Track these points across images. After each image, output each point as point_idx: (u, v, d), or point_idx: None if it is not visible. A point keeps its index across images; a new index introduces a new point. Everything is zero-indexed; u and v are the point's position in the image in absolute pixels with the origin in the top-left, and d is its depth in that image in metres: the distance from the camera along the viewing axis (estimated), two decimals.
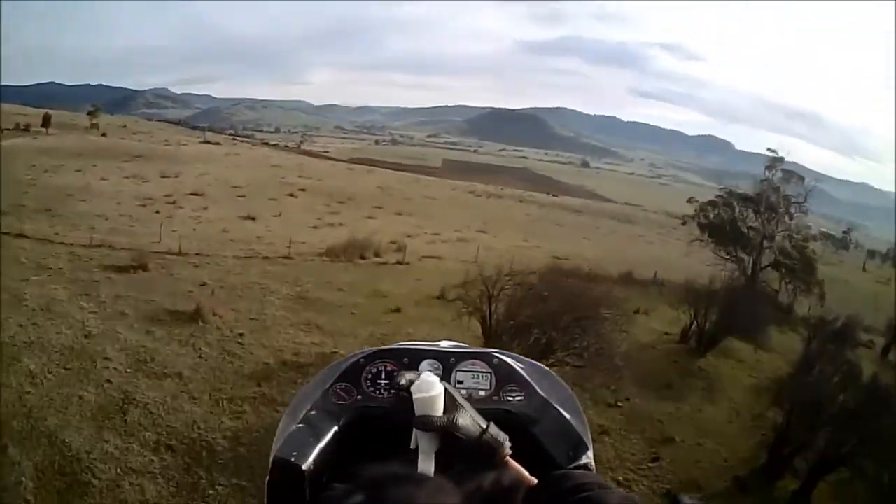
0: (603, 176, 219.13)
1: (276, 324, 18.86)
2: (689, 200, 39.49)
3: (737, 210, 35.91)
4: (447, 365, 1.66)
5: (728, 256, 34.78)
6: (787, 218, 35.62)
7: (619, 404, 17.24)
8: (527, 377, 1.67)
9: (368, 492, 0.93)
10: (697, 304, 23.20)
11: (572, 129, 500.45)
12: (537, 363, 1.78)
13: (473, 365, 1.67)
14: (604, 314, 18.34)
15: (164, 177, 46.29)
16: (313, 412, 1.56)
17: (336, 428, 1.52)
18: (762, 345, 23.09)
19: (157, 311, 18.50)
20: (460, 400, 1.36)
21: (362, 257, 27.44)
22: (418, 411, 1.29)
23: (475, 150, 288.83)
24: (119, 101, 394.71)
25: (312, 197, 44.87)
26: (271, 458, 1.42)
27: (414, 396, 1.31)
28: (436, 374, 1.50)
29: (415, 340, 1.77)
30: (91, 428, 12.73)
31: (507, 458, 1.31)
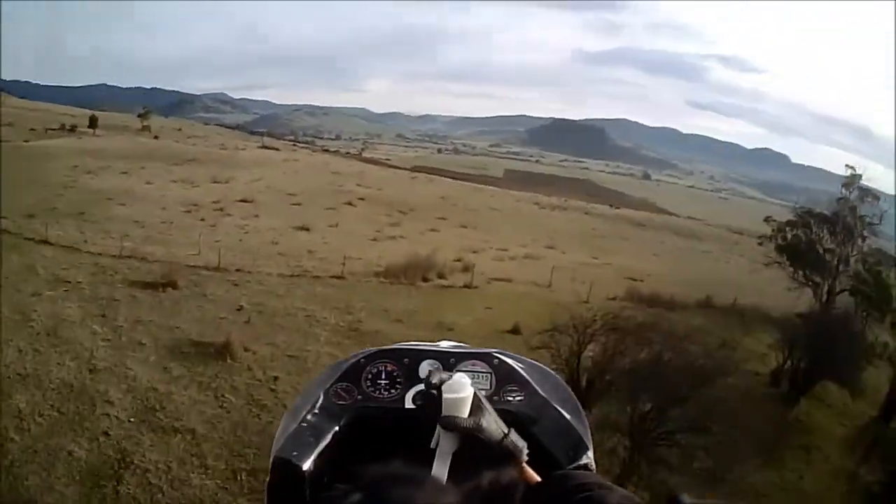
0: (664, 189, 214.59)
1: (318, 364, 15.03)
2: (767, 220, 35.89)
3: (814, 231, 32.87)
4: (447, 365, 1.67)
5: (805, 280, 31.59)
6: (860, 240, 32.51)
7: (724, 477, 13.12)
8: (527, 377, 1.69)
9: (368, 492, 0.94)
10: (790, 342, 20.39)
11: (632, 141, 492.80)
12: (537, 363, 1.79)
13: (474, 365, 1.68)
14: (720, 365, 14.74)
15: (215, 182, 43.64)
16: (314, 412, 1.58)
17: (336, 428, 1.54)
18: (856, 389, 19.83)
19: (180, 342, 15.61)
20: (486, 404, 1.36)
21: (425, 279, 24.25)
22: (445, 411, 1.31)
23: (537, 161, 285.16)
24: (174, 104, 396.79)
25: (372, 207, 41.48)
26: (271, 458, 1.45)
27: (444, 396, 1.32)
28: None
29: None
30: (75, 496, 10.31)
31: (524, 463, 1.34)
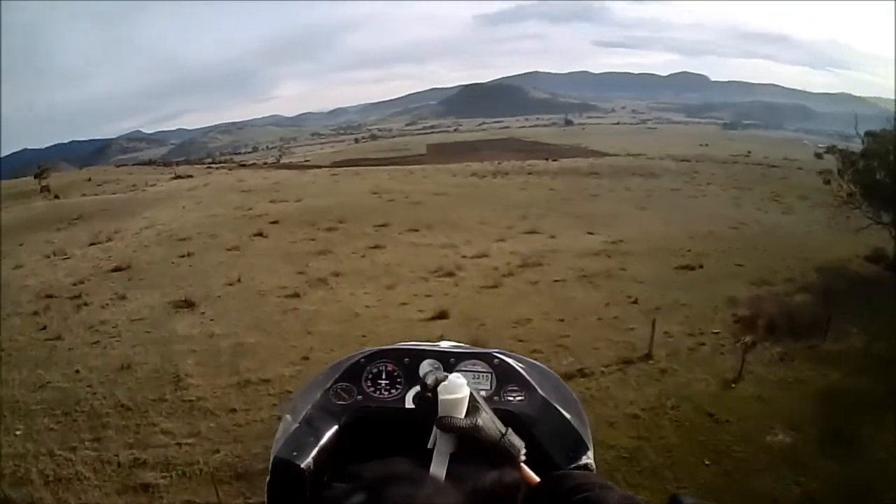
0: (590, 131, 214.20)
1: None
2: (829, 150, 31.26)
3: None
4: (447, 365, 1.65)
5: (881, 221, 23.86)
6: None
7: None
8: (527, 377, 1.66)
9: (368, 491, 0.93)
10: None
11: (547, 91, 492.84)
12: (538, 363, 1.76)
13: (474, 365, 1.66)
14: None
15: (93, 244, 30.46)
16: (314, 412, 1.56)
17: (336, 427, 1.52)
18: None
19: None
20: (483, 404, 1.33)
21: None
22: (442, 412, 1.28)
23: (455, 130, 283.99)
24: (93, 153, 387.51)
25: (290, 231, 29.56)
26: (271, 458, 1.43)
27: (440, 397, 1.29)
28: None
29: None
30: None
31: (522, 463, 1.31)
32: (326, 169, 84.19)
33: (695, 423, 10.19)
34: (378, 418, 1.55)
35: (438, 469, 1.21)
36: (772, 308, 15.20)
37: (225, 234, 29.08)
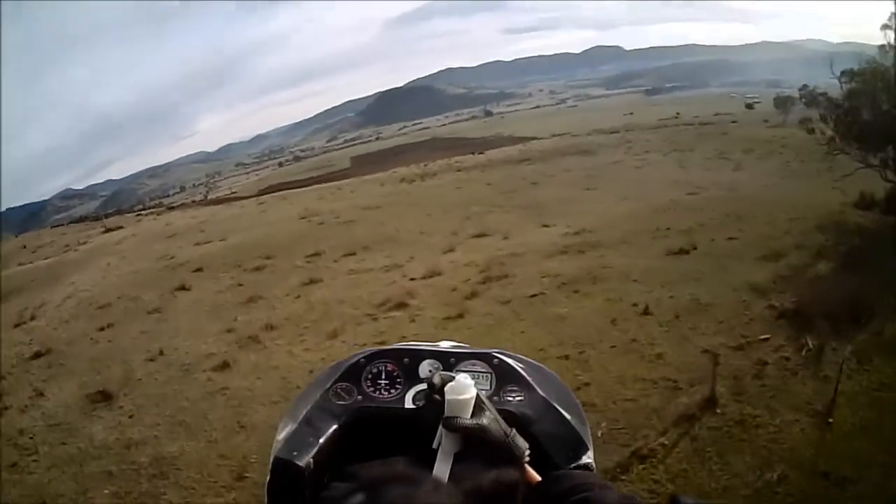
0: (510, 119, 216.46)
1: None
2: (804, 98, 27.51)
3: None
4: (447, 365, 1.66)
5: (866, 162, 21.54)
6: None
7: None
8: (527, 377, 1.66)
9: (368, 491, 0.93)
10: None
11: (462, 86, 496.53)
12: (537, 363, 1.77)
13: (474, 365, 1.66)
14: None
15: (18, 325, 24.20)
16: (314, 412, 1.55)
17: (336, 427, 1.51)
18: None
19: None
20: (488, 405, 1.33)
21: None
22: (448, 412, 1.28)
23: (376, 138, 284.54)
24: (29, 217, 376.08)
25: (214, 276, 25.24)
26: (271, 458, 1.42)
27: (447, 397, 1.29)
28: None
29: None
30: None
31: (525, 465, 1.31)
32: (254, 198, 79.94)
33: (813, 496, 6.87)
34: (378, 418, 1.53)
35: (442, 468, 1.20)
36: (807, 290, 12.13)
37: (146, 294, 24.31)
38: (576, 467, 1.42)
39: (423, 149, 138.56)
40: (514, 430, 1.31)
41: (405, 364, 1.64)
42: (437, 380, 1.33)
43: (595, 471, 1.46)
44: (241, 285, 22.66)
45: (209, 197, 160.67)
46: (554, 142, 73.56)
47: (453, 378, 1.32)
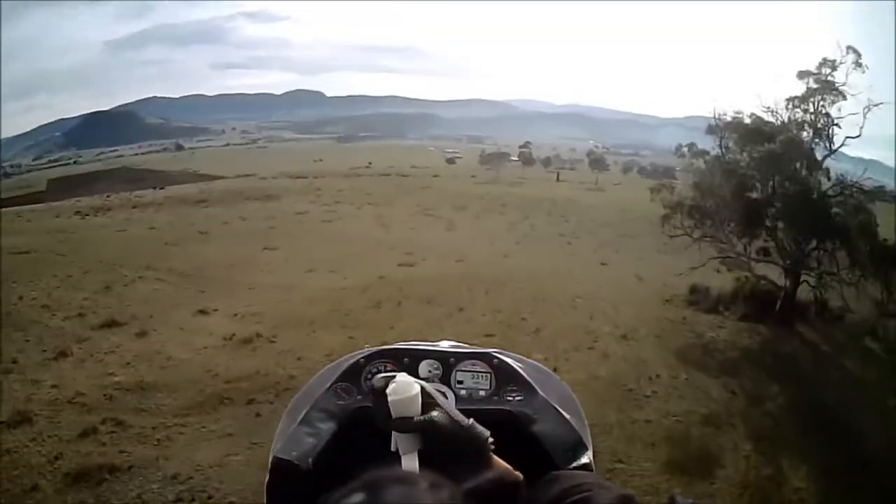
0: (199, 155, 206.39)
1: None
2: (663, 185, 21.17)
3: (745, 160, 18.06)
4: (447, 365, 1.64)
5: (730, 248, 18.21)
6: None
7: None
8: (527, 377, 1.63)
9: (368, 492, 0.90)
10: None
11: (161, 116, 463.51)
12: (537, 363, 1.74)
13: (473, 365, 1.64)
14: None
15: None
16: (313, 412, 1.53)
17: (336, 427, 1.50)
18: None
19: None
20: (438, 398, 1.28)
21: None
22: (395, 413, 1.23)
23: (75, 162, 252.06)
24: None
25: None
26: (271, 458, 1.41)
27: (390, 399, 1.23)
28: (435, 374, 1.59)
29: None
30: None
31: (492, 453, 1.26)
32: None
33: None
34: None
35: (411, 468, 1.18)
36: None
37: None
38: (575, 467, 1.40)
39: (114, 178, 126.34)
40: (471, 420, 1.26)
41: (405, 364, 1.59)
42: (378, 383, 1.26)
43: (594, 470, 1.45)
44: None
45: None
46: (238, 182, 65.37)
47: (394, 377, 1.26)
